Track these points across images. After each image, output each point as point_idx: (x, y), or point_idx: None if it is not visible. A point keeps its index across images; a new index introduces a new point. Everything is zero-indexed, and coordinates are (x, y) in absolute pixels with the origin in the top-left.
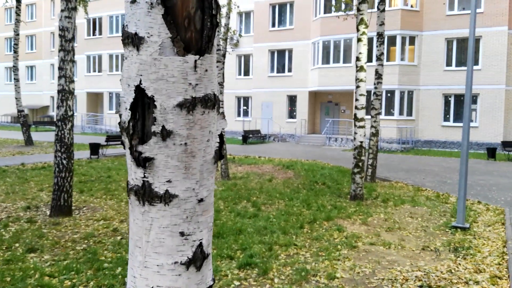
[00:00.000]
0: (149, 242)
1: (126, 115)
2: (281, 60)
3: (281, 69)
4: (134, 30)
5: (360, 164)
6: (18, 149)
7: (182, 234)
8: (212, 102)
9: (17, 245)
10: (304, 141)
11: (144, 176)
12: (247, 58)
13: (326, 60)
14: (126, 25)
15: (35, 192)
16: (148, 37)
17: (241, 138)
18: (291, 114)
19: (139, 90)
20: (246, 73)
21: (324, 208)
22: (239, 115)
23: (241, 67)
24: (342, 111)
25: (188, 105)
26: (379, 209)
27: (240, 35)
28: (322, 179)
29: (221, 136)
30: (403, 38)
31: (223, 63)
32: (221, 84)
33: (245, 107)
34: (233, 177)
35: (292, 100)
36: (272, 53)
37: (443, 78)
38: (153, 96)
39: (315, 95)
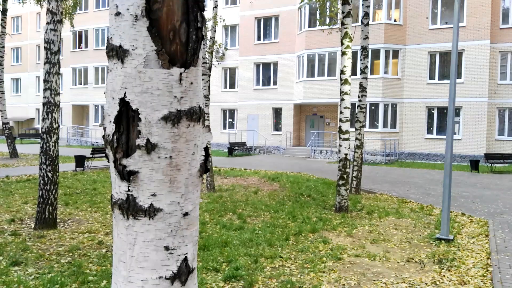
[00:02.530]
0: (133, 256)
1: (110, 128)
2: (266, 73)
3: (266, 82)
4: (118, 43)
5: (345, 176)
6: (2, 161)
7: (166, 248)
8: (197, 115)
9: (0, 258)
10: (289, 153)
11: (129, 190)
12: (232, 71)
13: (310, 73)
14: (111, 37)
15: (19, 204)
16: (132, 49)
17: (226, 150)
18: (277, 126)
19: (124, 103)
20: (232, 86)
21: (309, 220)
22: (224, 127)
23: (226, 80)
24: (327, 123)
25: (173, 118)
26: (364, 221)
27: (226, 48)
28: (308, 191)
29: (206, 149)
30: (387, 52)
31: (209, 76)
32: (207, 97)
33: (230, 120)
34: (219, 189)
35: (277, 112)
36: (258, 66)
37: (426, 91)
38: (138, 109)
39: (300, 108)
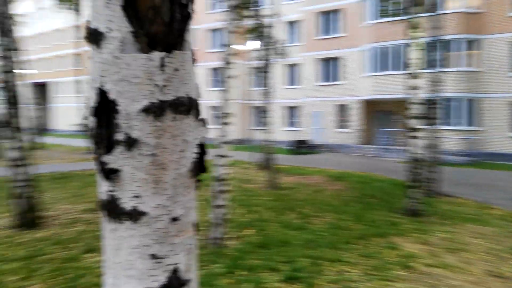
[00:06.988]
0: (119, 263)
1: (91, 121)
2: (330, 68)
3: (330, 78)
4: (94, 25)
5: (417, 177)
6: (84, 156)
7: (153, 256)
8: (185, 107)
9: None
10: (356, 151)
11: (111, 190)
12: (295, 67)
13: (379, 67)
14: (89, 20)
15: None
16: (107, 32)
17: (290, 148)
18: (342, 123)
19: (102, 93)
20: (295, 82)
21: (376, 224)
22: (288, 125)
23: (290, 76)
24: (398, 120)
25: (155, 110)
26: (438, 227)
27: (288, 45)
28: (375, 193)
29: (202, 146)
30: (464, 43)
31: (267, 72)
32: (267, 94)
33: (294, 117)
34: (281, 188)
35: (343, 109)
36: (321, 61)
37: (508, 85)
38: (116, 100)
39: (368, 104)
